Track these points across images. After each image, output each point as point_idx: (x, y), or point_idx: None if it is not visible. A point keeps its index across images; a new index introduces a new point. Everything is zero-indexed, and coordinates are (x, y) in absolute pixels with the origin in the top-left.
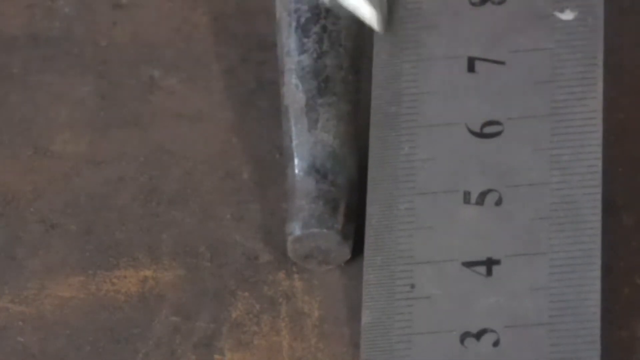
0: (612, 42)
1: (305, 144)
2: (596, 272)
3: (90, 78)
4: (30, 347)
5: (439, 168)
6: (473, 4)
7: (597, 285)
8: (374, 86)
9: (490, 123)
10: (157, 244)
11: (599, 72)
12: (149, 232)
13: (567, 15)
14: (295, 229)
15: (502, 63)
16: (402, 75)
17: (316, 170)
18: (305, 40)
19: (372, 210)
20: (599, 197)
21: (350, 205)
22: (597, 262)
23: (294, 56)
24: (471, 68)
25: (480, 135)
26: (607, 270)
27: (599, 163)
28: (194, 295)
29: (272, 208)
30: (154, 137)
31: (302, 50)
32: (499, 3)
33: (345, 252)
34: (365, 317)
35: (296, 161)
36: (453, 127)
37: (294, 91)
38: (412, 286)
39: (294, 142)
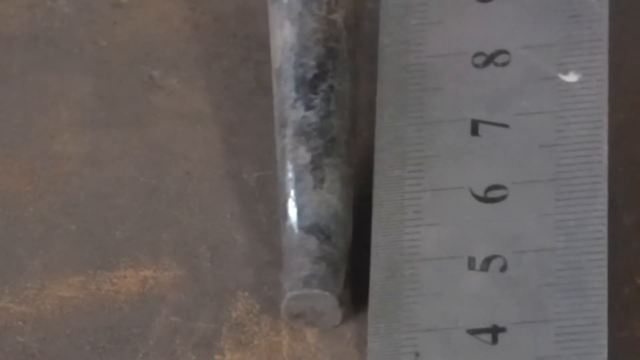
0: (612, 42)
1: (309, 202)
2: (603, 340)
3: (90, 78)
4: (30, 347)
5: (443, 233)
6: (476, 66)
7: (604, 354)
8: (377, 149)
9: (494, 187)
10: (157, 244)
11: (604, 135)
12: (149, 232)
13: (571, 78)
14: (296, 286)
15: (506, 126)
16: (405, 139)
17: (320, 230)
18: (312, 96)
19: (376, 277)
20: (605, 263)
21: (348, 270)
22: (604, 329)
23: (299, 110)
24: (475, 131)
25: (485, 199)
26: (607, 271)
27: (605, 229)
28: (194, 295)
29: (272, 208)
30: (154, 137)
31: (308, 106)
32: (502, 65)
33: (338, 317)
34: None
35: (298, 218)
36: (457, 192)
37: (298, 146)
38: (417, 354)
39: (297, 199)
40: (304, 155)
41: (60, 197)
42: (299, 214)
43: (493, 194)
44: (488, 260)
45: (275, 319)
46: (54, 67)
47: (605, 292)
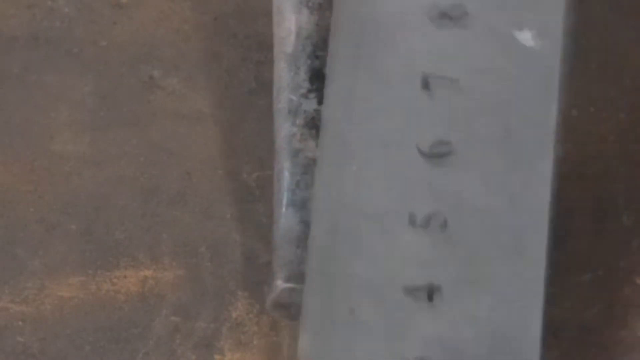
0: (612, 42)
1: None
2: (539, 303)
3: (90, 78)
4: (30, 347)
5: (385, 188)
6: (431, 21)
7: (539, 316)
8: (326, 104)
9: (440, 143)
10: (157, 244)
11: (554, 95)
12: (149, 232)
13: (526, 37)
14: (294, 279)
15: (456, 81)
16: (355, 92)
17: None
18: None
19: (316, 232)
20: (545, 226)
21: None
22: (540, 291)
23: (312, 102)
24: (425, 85)
25: (429, 155)
26: (607, 270)
27: (548, 191)
28: (194, 295)
29: (272, 208)
30: (154, 137)
31: (321, 100)
32: (457, 20)
33: None
34: (304, 343)
35: (301, 211)
36: (403, 147)
37: (307, 139)
38: (352, 311)
39: (301, 191)
40: (314, 150)
41: (60, 197)
42: (303, 206)
43: (438, 149)
44: (429, 217)
45: (275, 319)
46: (54, 67)
47: (543, 257)
